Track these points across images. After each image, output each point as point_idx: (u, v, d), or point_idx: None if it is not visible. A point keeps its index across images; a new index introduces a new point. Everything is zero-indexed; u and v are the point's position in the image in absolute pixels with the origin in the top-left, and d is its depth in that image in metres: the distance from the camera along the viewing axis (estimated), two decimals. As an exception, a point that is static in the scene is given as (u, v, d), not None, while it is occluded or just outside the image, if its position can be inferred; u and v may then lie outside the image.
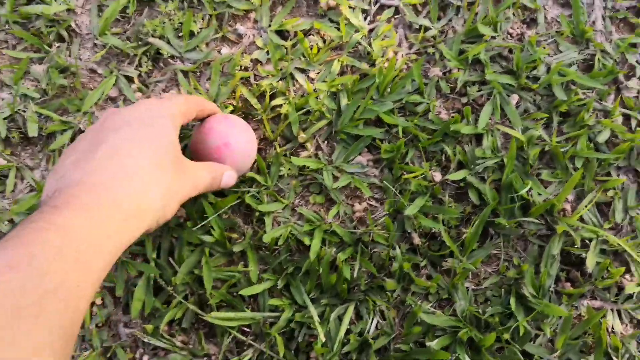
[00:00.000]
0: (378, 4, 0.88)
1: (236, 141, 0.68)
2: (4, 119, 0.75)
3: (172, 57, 0.81)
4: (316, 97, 0.80)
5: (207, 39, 0.82)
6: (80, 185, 0.46)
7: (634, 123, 0.84)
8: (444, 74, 0.84)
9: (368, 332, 0.71)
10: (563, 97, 0.82)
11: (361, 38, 0.84)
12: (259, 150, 0.78)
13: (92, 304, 0.71)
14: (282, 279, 0.72)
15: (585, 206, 0.78)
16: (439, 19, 0.88)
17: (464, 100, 0.82)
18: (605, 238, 0.76)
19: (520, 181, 0.76)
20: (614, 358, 0.73)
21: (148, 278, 0.71)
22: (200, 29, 0.83)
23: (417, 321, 0.72)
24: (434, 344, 0.70)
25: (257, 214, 0.74)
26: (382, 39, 0.85)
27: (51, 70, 0.77)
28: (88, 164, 0.48)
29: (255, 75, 0.82)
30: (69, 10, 0.82)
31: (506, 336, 0.71)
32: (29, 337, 0.37)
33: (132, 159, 0.49)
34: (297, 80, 0.82)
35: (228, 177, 0.66)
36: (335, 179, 0.77)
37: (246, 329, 0.71)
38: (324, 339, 0.69)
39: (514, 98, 0.83)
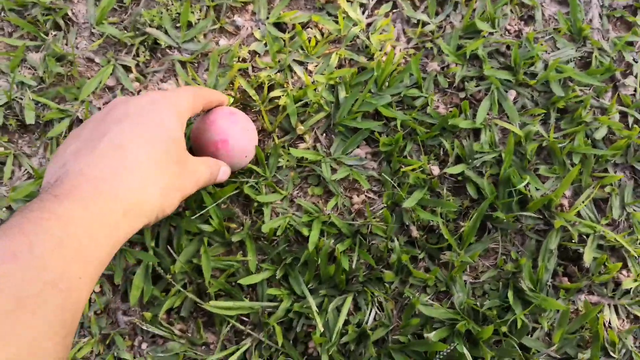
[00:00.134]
0: (376, -1, 0.94)
1: (235, 140, 0.72)
2: (1, 106, 0.79)
3: (170, 47, 0.86)
4: (314, 90, 0.85)
5: (205, 30, 0.87)
6: (82, 177, 0.47)
7: (630, 120, 0.90)
8: (442, 68, 0.90)
9: (366, 323, 0.76)
10: (560, 93, 0.88)
11: (359, 32, 0.90)
12: (258, 141, 0.83)
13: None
14: (281, 269, 0.77)
15: (583, 202, 0.83)
16: (436, 14, 0.93)
17: (462, 95, 0.88)
18: (602, 234, 0.82)
19: (518, 176, 0.82)
20: (610, 353, 0.78)
21: (147, 266, 0.75)
22: (198, 19, 0.87)
23: (415, 313, 0.77)
24: (432, 335, 0.75)
25: (255, 204, 0.79)
26: (380, 33, 0.90)
27: (48, 58, 0.82)
28: (90, 155, 0.49)
29: (253, 66, 0.87)
30: (66, -2, 0.87)
31: (504, 329, 0.76)
32: (29, 330, 0.38)
33: (133, 154, 0.51)
34: (295, 73, 0.87)
35: (223, 173, 0.70)
36: (334, 171, 0.82)
37: (245, 318, 0.76)
38: (322, 330, 0.73)
39: (512, 94, 0.88)
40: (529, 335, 0.77)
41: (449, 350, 0.73)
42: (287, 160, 0.81)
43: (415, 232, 0.80)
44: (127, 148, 0.51)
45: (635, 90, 0.91)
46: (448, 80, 0.88)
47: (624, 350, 0.79)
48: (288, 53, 0.86)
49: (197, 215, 0.75)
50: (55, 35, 0.84)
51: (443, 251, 0.80)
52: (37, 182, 0.76)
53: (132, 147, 0.52)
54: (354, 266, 0.77)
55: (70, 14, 0.86)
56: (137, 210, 0.50)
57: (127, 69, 0.84)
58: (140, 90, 0.83)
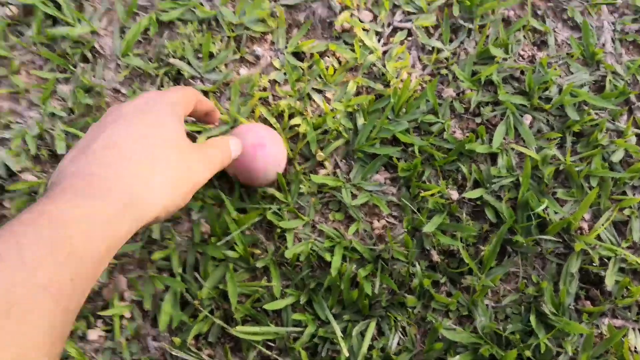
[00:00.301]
0: (391, 27, 0.98)
1: (271, 146, 0.77)
2: (34, 137, 0.84)
3: (193, 77, 0.90)
4: (333, 117, 0.89)
5: (226, 60, 0.91)
6: (75, 176, 0.46)
7: (646, 143, 0.93)
8: (458, 94, 0.94)
9: (390, 347, 0.79)
10: (576, 117, 0.91)
11: (376, 59, 0.94)
12: (279, 169, 0.86)
13: (121, 317, 0.78)
14: (305, 294, 0.80)
15: (602, 225, 0.86)
16: (451, 41, 0.98)
17: (478, 120, 0.92)
18: (623, 256, 0.84)
19: (536, 200, 0.85)
20: (634, 376, 0.81)
21: (175, 292, 0.78)
22: (219, 50, 0.92)
23: (439, 337, 0.79)
24: None
25: (278, 230, 0.82)
26: (396, 61, 0.95)
27: (77, 90, 0.86)
28: (84, 156, 0.48)
29: (273, 95, 0.91)
30: (92, 32, 0.91)
31: (527, 353, 0.78)
32: (17, 337, 0.35)
33: (129, 149, 0.49)
34: (314, 101, 0.91)
35: (235, 145, 0.68)
36: (354, 196, 0.86)
37: (271, 343, 0.78)
38: (347, 354, 0.76)
39: (527, 118, 0.92)
40: None
41: (472, 374, 0.76)
42: (308, 187, 0.85)
43: (436, 257, 0.83)
44: (123, 144, 0.49)
45: (649, 113, 0.94)
46: (464, 105, 0.92)
47: (647, 373, 0.81)
48: (307, 81, 0.91)
49: (223, 241, 0.78)
50: (83, 67, 0.89)
51: (464, 275, 0.82)
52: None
53: (128, 143, 0.50)
54: (376, 291, 0.80)
55: (97, 46, 0.91)
56: (139, 204, 0.48)
57: (152, 99, 0.88)
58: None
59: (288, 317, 0.78)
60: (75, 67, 0.88)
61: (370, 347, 0.78)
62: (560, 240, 0.84)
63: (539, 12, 1.00)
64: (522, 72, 0.94)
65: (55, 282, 0.39)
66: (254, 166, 0.75)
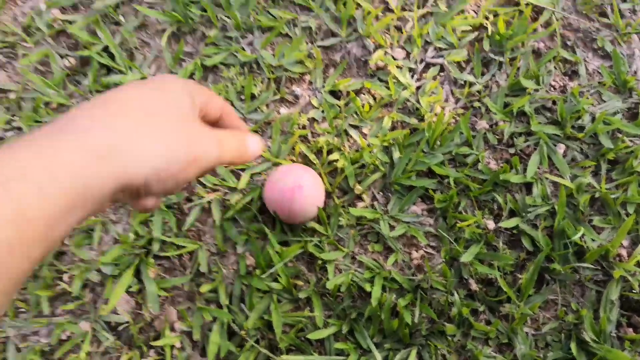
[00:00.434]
0: (424, 63, 1.01)
1: (309, 187, 0.80)
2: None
3: (236, 118, 0.95)
4: (370, 152, 0.92)
5: (267, 101, 0.96)
6: (50, 126, 0.38)
7: (682, 168, 0.93)
8: (491, 126, 0.96)
9: (431, 375, 0.80)
10: (610, 145, 0.92)
11: (409, 95, 0.97)
12: (319, 203, 0.90)
13: (172, 347, 0.82)
14: (346, 324, 0.82)
15: (640, 251, 0.87)
16: (482, 74, 1.00)
17: (512, 150, 0.94)
18: (662, 282, 0.85)
19: (573, 227, 0.86)
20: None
21: (222, 323, 0.82)
22: (260, 91, 0.97)
23: (478, 365, 0.81)
24: (496, 387, 0.78)
25: (319, 262, 0.85)
26: (430, 95, 0.98)
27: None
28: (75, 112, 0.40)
29: (312, 132, 0.95)
30: (143, 78, 0.98)
31: (568, 380, 0.79)
32: None
33: (123, 104, 0.40)
34: (351, 136, 0.94)
35: (255, 144, 0.53)
36: (392, 228, 0.88)
37: (314, 372, 0.81)
38: (388, 382, 0.78)
39: (561, 147, 0.93)
40: (594, 386, 0.80)
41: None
42: (347, 219, 0.88)
43: (474, 286, 0.84)
44: (118, 99, 0.41)
45: (685, 139, 0.95)
46: (497, 137, 0.94)
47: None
48: (344, 118, 0.94)
49: (267, 273, 0.82)
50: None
51: (503, 303, 0.83)
52: (123, 246, 0.85)
53: (124, 98, 0.41)
54: (416, 320, 0.82)
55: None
56: (120, 156, 0.37)
57: (198, 140, 0.93)
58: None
59: (331, 346, 0.81)
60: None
61: (412, 375, 0.79)
62: (599, 268, 0.85)
63: (569, 43, 1.02)
64: (554, 102, 0.96)
65: None
66: (293, 207, 0.79)
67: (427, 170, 0.91)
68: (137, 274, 0.85)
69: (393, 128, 0.95)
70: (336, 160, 0.91)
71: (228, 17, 1.00)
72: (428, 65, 1.01)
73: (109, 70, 0.99)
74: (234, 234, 0.86)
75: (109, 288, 0.84)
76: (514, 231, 0.87)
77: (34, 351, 0.83)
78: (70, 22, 1.02)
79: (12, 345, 0.83)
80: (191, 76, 0.97)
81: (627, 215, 0.87)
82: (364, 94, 0.97)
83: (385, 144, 0.92)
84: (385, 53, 1.00)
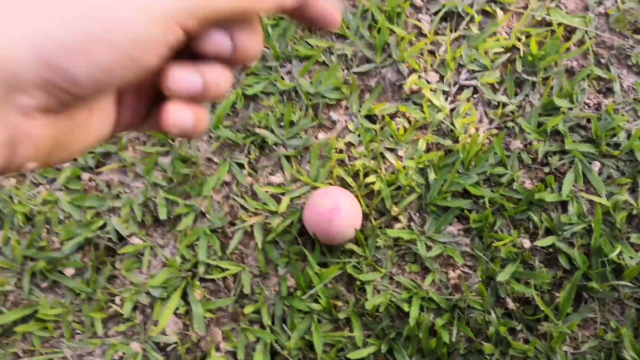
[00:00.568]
0: (457, 85, 1.03)
1: (346, 209, 0.83)
2: (139, 204, 0.95)
3: (276, 144, 0.99)
4: (406, 174, 0.94)
5: (305, 127, 1.00)
6: None
7: None
8: (525, 145, 0.97)
9: (470, 394, 0.81)
10: (646, 162, 0.92)
11: (444, 117, 0.99)
12: (356, 225, 0.92)
13: (219, 366, 0.86)
14: (385, 343, 0.84)
15: (680, 268, 0.86)
16: (515, 94, 1.02)
17: (546, 169, 0.94)
18: None
19: (610, 245, 0.86)
20: None
21: (265, 343, 0.85)
22: (299, 118, 1.01)
23: (517, 383, 0.82)
24: (535, 405, 0.79)
25: (358, 282, 0.88)
26: (464, 117, 1.00)
27: (175, 161, 0.97)
28: None
29: (349, 156, 0.98)
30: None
31: (609, 399, 0.79)
32: None
33: None
34: (387, 159, 0.97)
35: None
36: (429, 248, 0.90)
37: (355, 390, 0.83)
38: (427, 400, 0.79)
39: (596, 165, 0.94)
40: (636, 405, 0.79)
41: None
42: (385, 241, 0.90)
43: (511, 304, 0.85)
44: None
45: None
46: (531, 156, 0.95)
47: None
48: (379, 142, 0.97)
49: (307, 295, 0.85)
50: (180, 140, 1.00)
51: (540, 322, 0.84)
52: (171, 269, 0.90)
53: None
54: (454, 339, 0.83)
55: (191, 122, 1.02)
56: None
57: (241, 165, 0.98)
58: (252, 184, 0.96)
59: (371, 365, 0.83)
60: (173, 141, 0.99)
61: (451, 394, 0.81)
62: (638, 285, 0.85)
63: (603, 61, 1.03)
64: (588, 120, 0.97)
65: None
66: (332, 229, 0.82)
67: (463, 191, 0.92)
68: (184, 296, 0.89)
69: (428, 150, 0.97)
70: (373, 183, 0.94)
71: (267, 48, 1.05)
72: (461, 88, 1.03)
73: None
74: (275, 256, 0.89)
75: (157, 310, 0.88)
76: (550, 250, 0.88)
77: (90, 369, 0.88)
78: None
79: (70, 364, 0.89)
80: (233, 106, 1.02)
81: (667, 232, 0.87)
82: (399, 118, 1.00)
83: (421, 165, 0.94)
84: (419, 77, 1.02)
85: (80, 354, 0.89)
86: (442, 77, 1.03)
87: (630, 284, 0.84)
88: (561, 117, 0.95)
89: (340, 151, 0.98)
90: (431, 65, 1.04)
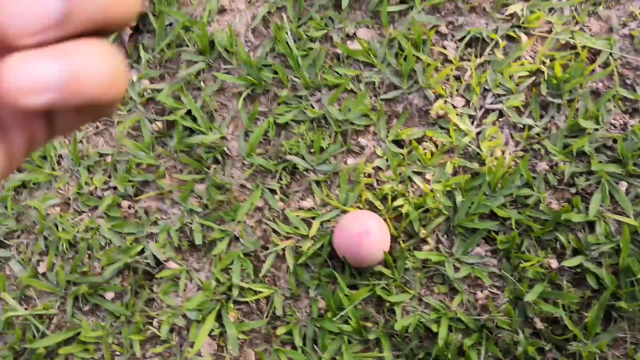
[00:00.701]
0: (483, 109, 1.07)
1: (375, 232, 0.88)
2: (176, 230, 1.01)
3: (307, 170, 1.04)
4: (433, 197, 0.98)
5: (335, 153, 1.05)
6: None
7: None
8: (551, 167, 1.00)
9: (499, 413, 0.83)
10: (675, 181, 0.94)
11: (470, 141, 1.03)
12: (385, 247, 0.96)
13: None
14: (414, 363, 0.87)
15: None
16: (541, 117, 1.05)
17: (573, 190, 0.97)
18: None
19: (638, 264, 0.88)
20: None
21: (300, 362, 0.89)
22: (329, 144, 1.06)
23: (548, 404, 0.83)
24: None
25: (387, 304, 0.91)
26: (490, 140, 1.03)
27: (210, 188, 1.03)
28: None
29: (377, 180, 1.02)
30: (222, 137, 1.09)
31: (642, 420, 0.80)
32: None
33: None
34: (414, 183, 1.01)
35: None
36: (457, 269, 0.93)
37: (385, 409, 0.86)
38: (457, 420, 0.82)
39: (623, 185, 0.96)
40: None
41: None
42: (413, 262, 0.94)
43: (539, 324, 0.87)
44: None
45: None
46: (557, 177, 0.98)
47: None
48: (407, 166, 1.01)
49: (338, 316, 0.89)
50: (215, 168, 1.06)
51: (569, 342, 0.86)
52: (206, 293, 0.95)
53: None
54: (482, 359, 0.85)
55: (226, 149, 1.08)
56: None
57: (273, 191, 1.03)
58: (284, 209, 1.01)
59: (400, 384, 0.86)
60: (208, 169, 1.06)
61: (481, 414, 0.83)
62: (669, 305, 0.86)
63: (628, 82, 1.05)
64: (614, 141, 0.99)
65: None
66: (361, 252, 0.86)
67: (490, 213, 0.95)
68: (219, 318, 0.94)
69: (455, 173, 1.01)
70: (401, 206, 0.97)
71: (297, 78, 1.10)
72: (487, 112, 1.07)
73: (192, 131, 1.11)
74: (306, 279, 0.94)
75: (193, 332, 0.93)
76: (578, 270, 0.90)
77: (130, 389, 0.93)
78: (157, 91, 1.15)
79: (112, 383, 0.94)
80: (265, 134, 1.07)
81: (697, 251, 0.88)
82: (426, 142, 1.04)
83: (448, 188, 0.98)
84: (446, 102, 1.06)
85: (122, 374, 0.94)
86: (468, 102, 1.07)
87: (661, 304, 0.85)
88: (587, 138, 0.98)
89: (369, 175, 1.02)
90: (457, 90, 1.08)
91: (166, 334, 0.94)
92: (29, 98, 0.17)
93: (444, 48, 1.11)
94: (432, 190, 0.98)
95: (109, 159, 1.12)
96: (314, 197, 1.02)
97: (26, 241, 1.06)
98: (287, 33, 1.12)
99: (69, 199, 1.09)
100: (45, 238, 1.03)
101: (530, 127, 1.03)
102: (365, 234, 0.86)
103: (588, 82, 1.05)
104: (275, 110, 1.09)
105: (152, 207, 1.05)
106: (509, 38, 1.11)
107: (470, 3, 1.12)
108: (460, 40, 1.12)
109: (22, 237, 1.08)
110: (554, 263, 0.90)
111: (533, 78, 1.07)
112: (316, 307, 0.92)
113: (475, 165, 1.00)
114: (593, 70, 1.06)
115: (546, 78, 1.06)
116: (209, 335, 0.93)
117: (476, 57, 1.10)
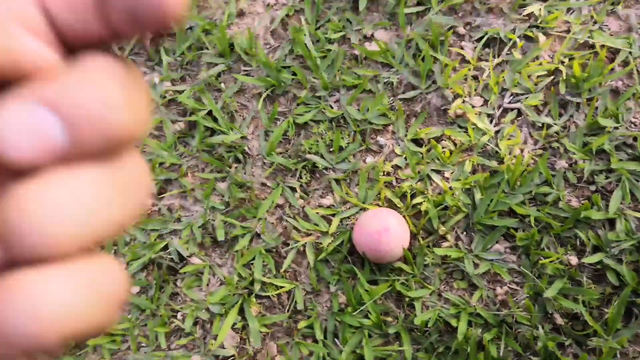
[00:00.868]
0: (501, 108, 1.09)
1: (395, 229, 0.90)
2: (199, 227, 1.04)
3: (326, 168, 1.06)
4: (452, 194, 1.00)
5: (354, 151, 1.07)
6: None
7: None
8: (570, 165, 1.01)
9: (519, 408, 0.85)
10: (695, 178, 0.95)
11: (488, 140, 1.05)
12: (404, 244, 0.98)
13: (275, 376, 0.93)
14: (434, 357, 0.89)
15: None
16: (560, 115, 1.06)
17: (593, 188, 0.98)
18: None
19: (659, 261, 0.89)
20: None
21: (318, 356, 0.91)
22: (347, 143, 1.08)
23: (568, 398, 0.84)
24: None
25: (407, 299, 0.93)
26: (508, 139, 1.05)
27: (232, 186, 1.06)
28: None
29: (396, 178, 1.04)
30: (242, 137, 1.12)
31: (663, 415, 0.80)
32: None
33: None
34: (433, 181, 1.03)
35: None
36: (476, 266, 0.95)
37: (405, 402, 0.88)
38: (477, 413, 0.83)
39: (643, 183, 0.97)
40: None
41: None
42: (432, 259, 0.95)
43: (559, 320, 0.88)
44: None
45: None
46: (577, 175, 0.99)
47: None
48: (426, 164, 1.03)
49: (358, 311, 0.91)
50: (236, 167, 1.09)
51: (590, 337, 0.87)
52: (229, 287, 0.98)
53: None
54: (501, 354, 0.87)
55: (246, 149, 1.11)
56: None
57: (293, 189, 1.06)
58: (304, 207, 1.04)
59: (420, 378, 0.88)
60: (229, 167, 1.08)
61: (500, 407, 0.84)
62: (690, 301, 0.87)
63: (648, 81, 1.06)
64: (634, 139, 1.00)
65: None
66: (381, 248, 0.88)
67: (509, 210, 0.97)
68: (241, 312, 0.97)
69: (474, 171, 1.03)
70: (420, 204, 0.99)
71: (316, 79, 1.13)
72: (506, 111, 1.08)
73: (213, 131, 1.14)
74: (326, 274, 0.96)
75: (216, 325, 0.96)
76: (598, 266, 0.91)
77: (154, 382, 0.96)
78: (179, 92, 1.19)
79: (136, 377, 0.97)
80: (285, 133, 1.10)
81: None
82: (444, 141, 1.06)
83: (467, 186, 0.99)
84: (464, 101, 1.08)
85: (145, 368, 0.97)
86: (486, 101, 1.09)
87: (682, 300, 0.86)
88: (607, 136, 0.99)
89: (388, 174, 1.04)
90: (475, 89, 1.09)
91: (190, 326, 0.97)
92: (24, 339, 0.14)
93: (462, 48, 1.13)
94: (451, 188, 1.00)
95: (132, 158, 1.15)
96: (333, 194, 1.04)
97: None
98: (305, 35, 1.15)
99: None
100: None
101: (549, 126, 1.05)
102: (385, 231, 0.88)
103: (607, 80, 1.06)
104: (295, 111, 1.12)
105: (175, 205, 1.08)
106: (526, 38, 1.13)
107: (488, 4, 1.14)
108: (478, 40, 1.14)
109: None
110: (573, 260, 0.92)
111: (551, 77, 1.08)
112: (337, 302, 0.94)
113: (494, 164, 1.02)
114: (612, 69, 1.07)
115: (565, 77, 1.07)
116: (232, 328, 0.96)
117: (494, 57, 1.12)
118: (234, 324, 0.96)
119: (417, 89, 1.11)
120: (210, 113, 1.15)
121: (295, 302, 0.95)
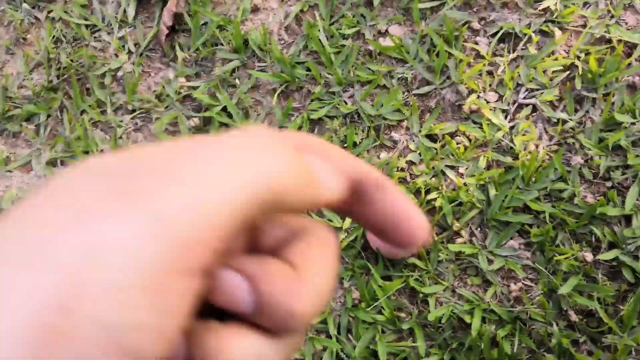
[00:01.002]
0: (516, 104, 1.09)
1: None
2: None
3: (340, 164, 1.07)
4: (466, 190, 1.00)
5: (368, 147, 1.08)
6: None
7: None
8: (586, 161, 1.01)
9: (533, 404, 0.85)
10: None
11: (503, 135, 1.05)
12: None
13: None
14: (448, 353, 0.89)
15: None
16: (575, 111, 1.06)
17: (609, 184, 0.98)
18: None
19: (676, 258, 0.88)
20: None
21: (331, 352, 0.92)
22: (362, 139, 1.09)
23: (582, 395, 0.85)
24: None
25: (421, 295, 0.94)
26: (523, 135, 1.05)
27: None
28: None
29: (410, 174, 1.05)
30: (257, 133, 1.13)
31: (678, 413, 0.80)
32: None
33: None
34: (448, 176, 1.03)
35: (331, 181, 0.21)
36: (490, 262, 0.95)
37: (419, 398, 0.89)
38: (491, 409, 0.84)
39: (660, 179, 0.97)
40: None
41: None
42: (446, 255, 0.96)
43: (574, 317, 0.88)
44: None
45: None
46: (592, 171, 0.99)
47: None
48: (440, 160, 1.03)
49: (372, 306, 0.92)
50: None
51: (604, 334, 0.87)
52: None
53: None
54: (515, 350, 0.87)
55: (260, 145, 1.12)
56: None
57: (306, 185, 1.06)
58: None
59: (434, 374, 0.88)
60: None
61: (514, 404, 0.85)
62: None
63: (666, 76, 1.05)
64: (651, 135, 1.00)
65: None
66: None
67: (523, 206, 0.97)
68: (256, 307, 0.98)
69: (488, 167, 1.03)
70: (434, 200, 1.00)
71: (330, 74, 1.14)
72: (520, 106, 1.08)
73: (228, 127, 1.15)
74: (340, 270, 0.97)
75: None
76: (614, 263, 0.91)
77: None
78: (194, 88, 1.20)
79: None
80: (299, 129, 1.11)
81: None
82: (459, 136, 1.06)
83: (482, 182, 1.00)
84: (478, 97, 1.08)
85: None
86: (500, 97, 1.09)
87: (698, 298, 0.86)
88: (623, 132, 0.99)
89: (402, 169, 1.05)
90: (490, 85, 1.09)
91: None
92: None
93: (476, 44, 1.13)
94: (465, 184, 1.00)
95: (148, 154, 1.17)
96: (347, 190, 1.05)
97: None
98: (319, 31, 1.16)
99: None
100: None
101: (564, 122, 1.04)
102: None
103: (624, 75, 1.05)
104: (309, 107, 1.13)
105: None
106: (542, 33, 1.12)
107: (504, -2, 1.14)
108: (493, 35, 1.14)
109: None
110: (588, 256, 0.92)
111: (567, 72, 1.08)
112: (350, 298, 0.95)
113: (508, 160, 1.02)
114: (629, 64, 1.06)
115: (581, 72, 1.07)
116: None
117: (509, 52, 1.12)
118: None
119: (432, 84, 1.11)
120: (225, 109, 1.16)
121: (309, 297, 0.96)
